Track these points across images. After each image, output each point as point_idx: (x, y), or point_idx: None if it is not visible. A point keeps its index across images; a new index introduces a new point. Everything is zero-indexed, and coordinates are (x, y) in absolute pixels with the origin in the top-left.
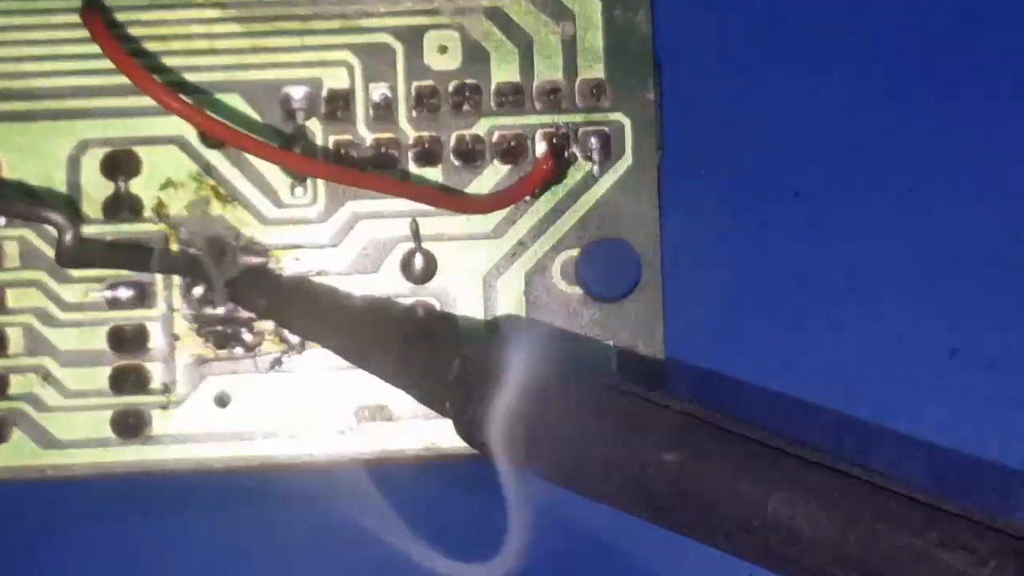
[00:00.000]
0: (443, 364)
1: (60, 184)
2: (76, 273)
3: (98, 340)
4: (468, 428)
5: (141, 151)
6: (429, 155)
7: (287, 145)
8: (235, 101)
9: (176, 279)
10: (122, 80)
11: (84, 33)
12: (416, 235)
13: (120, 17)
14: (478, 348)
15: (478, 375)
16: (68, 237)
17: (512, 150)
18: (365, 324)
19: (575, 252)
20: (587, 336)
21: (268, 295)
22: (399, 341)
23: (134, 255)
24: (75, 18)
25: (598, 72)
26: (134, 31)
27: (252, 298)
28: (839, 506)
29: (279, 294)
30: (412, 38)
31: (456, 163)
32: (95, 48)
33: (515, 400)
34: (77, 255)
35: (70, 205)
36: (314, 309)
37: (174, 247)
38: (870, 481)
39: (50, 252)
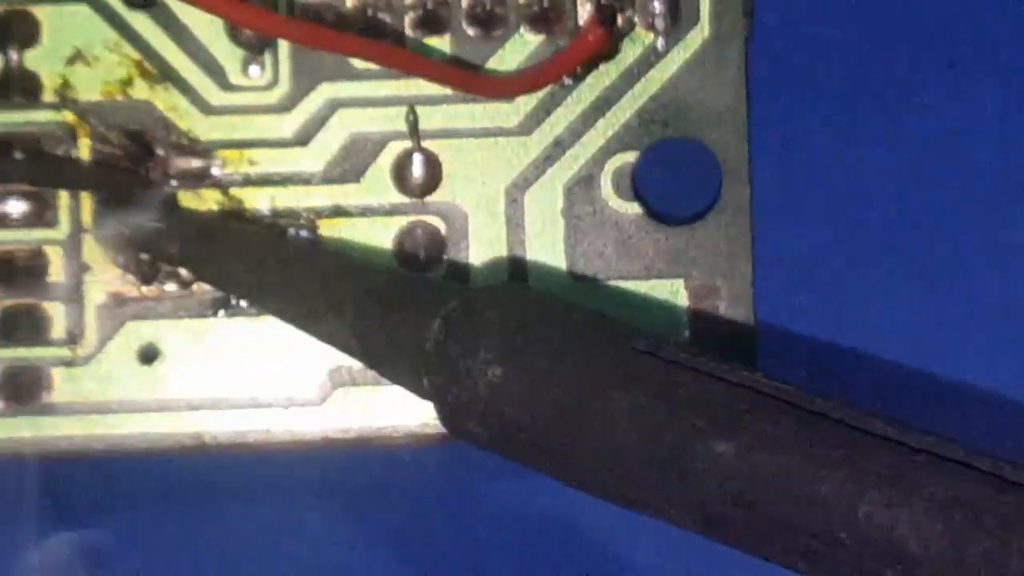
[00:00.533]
0: (417, 327)
1: None
2: None
3: None
4: (453, 413)
5: (40, 11)
6: (432, 20)
7: None
8: None
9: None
10: None
11: None
12: (415, 130)
13: None
14: (467, 301)
15: (465, 340)
16: None
17: (546, 13)
18: (312, 276)
19: (632, 156)
20: (646, 270)
21: (182, 237)
22: (356, 297)
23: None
24: None
25: None
26: None
27: (159, 241)
28: (956, 511)
29: (196, 236)
30: None
31: (469, 31)
32: None
33: (508, 375)
34: None
35: None
36: (243, 256)
37: (84, 147)
38: (999, 476)
39: None
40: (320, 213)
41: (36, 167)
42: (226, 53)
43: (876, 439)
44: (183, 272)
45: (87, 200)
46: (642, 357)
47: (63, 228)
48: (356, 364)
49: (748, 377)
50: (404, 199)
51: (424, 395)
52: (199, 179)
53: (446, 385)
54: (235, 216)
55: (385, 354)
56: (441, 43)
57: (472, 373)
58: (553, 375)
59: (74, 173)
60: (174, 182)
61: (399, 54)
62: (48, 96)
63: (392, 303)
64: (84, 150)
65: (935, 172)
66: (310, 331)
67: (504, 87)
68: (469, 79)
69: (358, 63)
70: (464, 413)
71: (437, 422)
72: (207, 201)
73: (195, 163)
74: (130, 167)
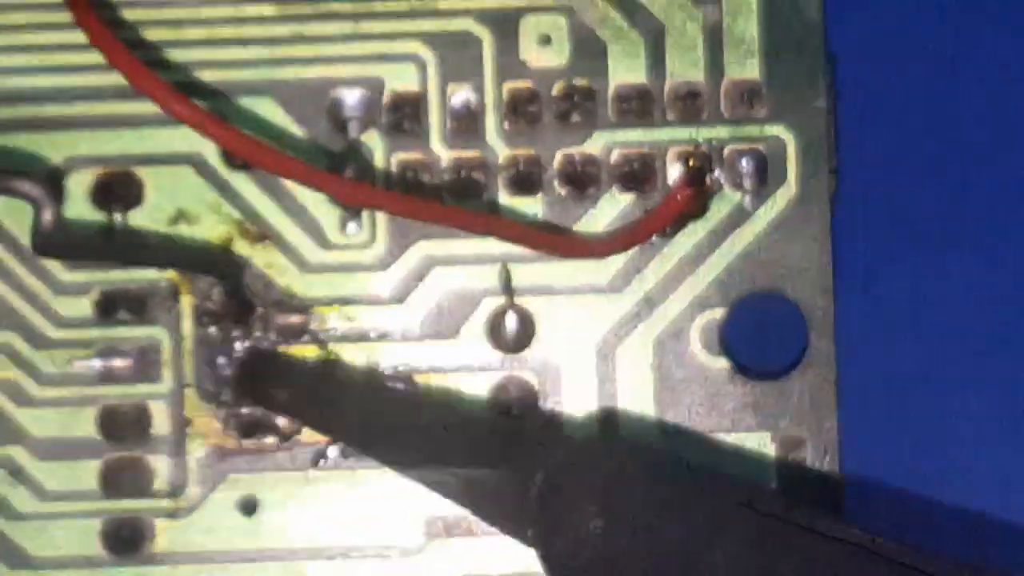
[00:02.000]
0: (522, 477)
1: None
2: (57, 335)
3: (85, 425)
4: (557, 562)
5: (143, 172)
6: (526, 181)
7: (336, 167)
8: (268, 108)
9: (188, 339)
10: (120, 78)
11: (69, 18)
12: (508, 287)
13: None
14: (569, 453)
15: (568, 492)
16: (48, 217)
17: (636, 175)
18: (418, 425)
19: (719, 312)
20: (734, 423)
21: (288, 386)
22: (461, 448)
23: (130, 246)
24: None
25: (752, 71)
26: (135, 14)
27: (267, 390)
28: None
29: (303, 385)
30: (504, 25)
31: (561, 192)
32: (83, 38)
33: (611, 526)
34: (57, 242)
35: (51, 177)
36: (349, 405)
37: (186, 304)
38: None
39: (21, 305)
40: (416, 369)
41: (111, 246)
42: (324, 212)
43: None
44: (282, 425)
45: (189, 357)
46: (739, 510)
47: (166, 383)
48: (451, 515)
49: (841, 530)
50: (498, 354)
51: (528, 543)
52: (298, 335)
53: (549, 535)
54: (337, 368)
55: (489, 503)
56: (534, 202)
57: (575, 524)
58: (653, 528)
59: (144, 252)
60: (274, 338)
61: (491, 221)
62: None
63: (496, 454)
64: (187, 307)
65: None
66: (415, 478)
67: (594, 248)
68: (559, 242)
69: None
70: (568, 563)
71: (530, 570)
72: (307, 356)
73: (294, 319)
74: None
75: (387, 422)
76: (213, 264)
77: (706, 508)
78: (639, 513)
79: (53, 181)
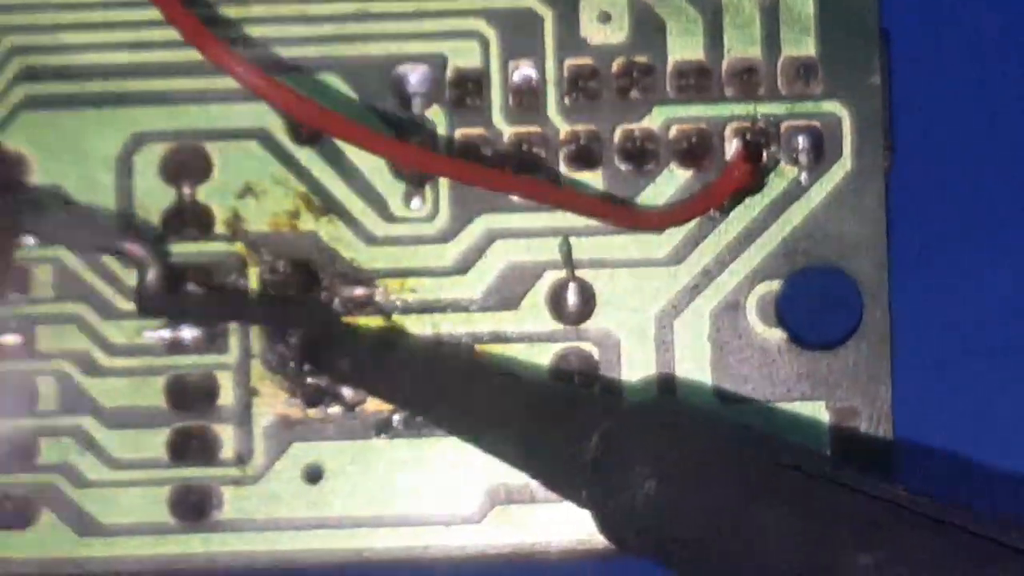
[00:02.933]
0: (577, 441)
1: (107, 191)
2: (126, 306)
3: (153, 394)
4: (611, 523)
5: (211, 148)
6: (586, 156)
7: (401, 140)
8: (334, 83)
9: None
10: (188, 54)
11: None
12: (569, 260)
13: None
14: (624, 416)
15: (622, 454)
16: (152, 276)
17: (694, 150)
18: (478, 390)
19: (776, 284)
20: (789, 393)
21: (351, 353)
22: (520, 412)
23: (234, 301)
24: None
25: (807, 48)
26: None
27: (329, 359)
28: None
29: (365, 352)
30: (565, 2)
31: (621, 167)
32: (152, 12)
33: (663, 488)
34: (163, 301)
35: (153, 233)
36: (411, 372)
37: (253, 277)
38: None
39: (92, 278)
40: (478, 339)
41: (211, 301)
42: (388, 186)
43: (1013, 551)
44: (347, 395)
45: (255, 328)
46: (787, 472)
47: (233, 353)
48: (513, 482)
49: (888, 490)
50: (559, 326)
51: (583, 505)
52: (362, 307)
53: (604, 497)
54: (398, 336)
55: (546, 466)
56: (594, 177)
57: (629, 486)
58: (702, 489)
59: (244, 307)
60: (339, 310)
61: (552, 191)
62: (220, 228)
63: (553, 418)
64: (253, 280)
65: None
66: (475, 443)
67: (654, 220)
68: (621, 213)
69: (514, 196)
70: (622, 524)
71: (591, 538)
72: (371, 327)
73: (358, 291)
74: (295, 299)
75: (447, 388)
76: (311, 317)
77: (753, 471)
78: (687, 474)
79: (156, 242)
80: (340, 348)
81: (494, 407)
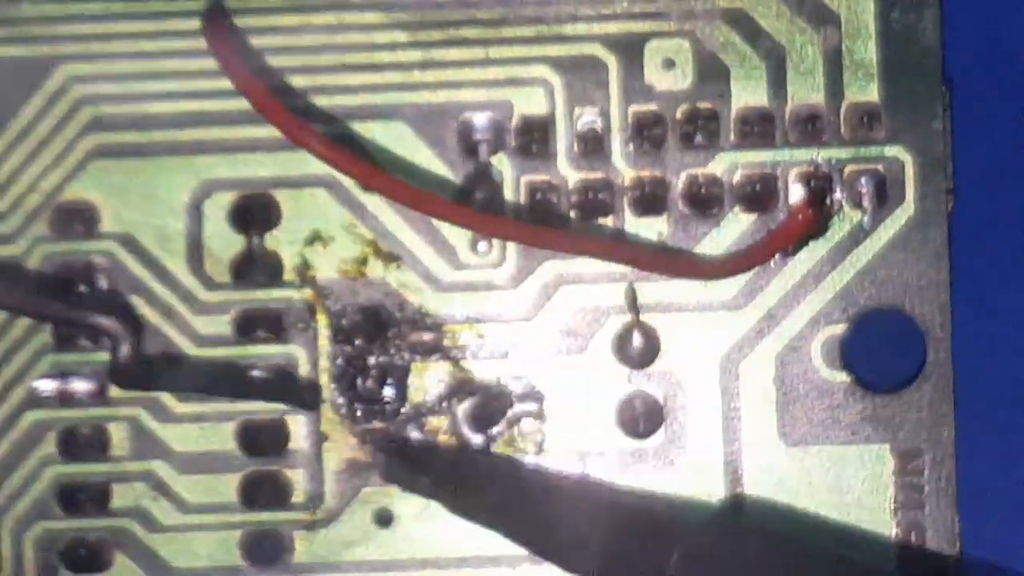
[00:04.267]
0: (657, 560)
1: (177, 239)
2: (197, 353)
3: (224, 440)
4: None
5: (280, 195)
6: (651, 201)
7: (467, 188)
8: (400, 131)
9: (324, 359)
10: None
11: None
12: (634, 305)
13: (252, 22)
14: (703, 536)
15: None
16: (124, 351)
17: (759, 195)
18: (556, 511)
19: (840, 328)
20: (854, 435)
21: (431, 471)
22: (600, 532)
23: (225, 377)
24: (196, 24)
25: (870, 94)
26: (271, 40)
27: (409, 475)
28: None
29: (444, 475)
30: (629, 49)
31: (686, 211)
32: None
33: None
34: (136, 373)
35: (133, 317)
36: (489, 493)
37: (322, 322)
38: None
39: (165, 325)
40: (545, 384)
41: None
42: (455, 232)
43: None
44: (415, 437)
45: (325, 374)
46: None
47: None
48: None
49: None
50: (624, 370)
51: None
52: (430, 352)
53: None
54: (469, 386)
55: None
56: (658, 222)
57: None
58: None
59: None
60: (407, 356)
61: (615, 248)
62: (288, 275)
63: (633, 537)
64: (323, 326)
65: None
66: (554, 561)
67: (718, 268)
68: (685, 266)
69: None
70: None
71: None
72: (439, 373)
73: (426, 337)
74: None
75: (530, 506)
76: (288, 392)
77: None
78: None
79: (133, 321)
80: (420, 465)
81: (572, 527)
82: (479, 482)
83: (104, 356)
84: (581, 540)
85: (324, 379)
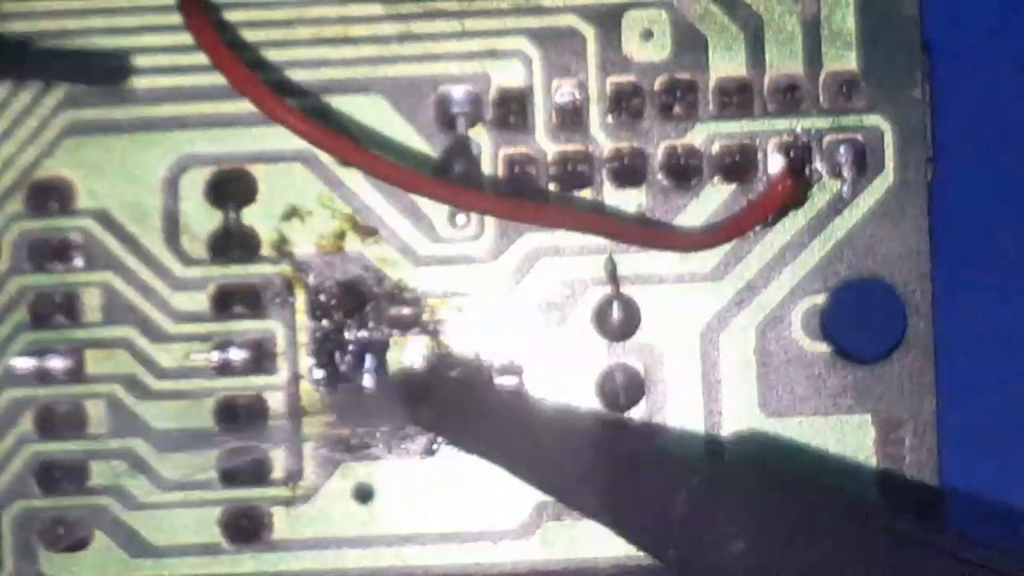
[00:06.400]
0: (664, 499)
1: (153, 213)
2: (174, 329)
3: (203, 416)
4: None
5: (256, 170)
6: (629, 173)
7: (445, 161)
8: (376, 104)
9: (302, 334)
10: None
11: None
12: (613, 277)
13: None
14: (710, 475)
15: (709, 514)
16: None
17: (737, 166)
18: (562, 447)
19: (820, 298)
20: (835, 406)
21: (434, 407)
22: (607, 470)
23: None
24: None
25: (849, 63)
26: (247, 15)
27: (412, 408)
28: None
29: (447, 407)
30: (606, 20)
31: (665, 183)
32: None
33: (751, 548)
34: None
35: None
36: (493, 428)
37: (300, 298)
38: None
39: (140, 302)
40: (525, 357)
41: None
42: (433, 206)
43: None
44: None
45: (303, 347)
46: (872, 537)
47: (281, 375)
48: None
49: (984, 554)
50: (604, 342)
51: (669, 563)
52: (409, 326)
53: (691, 556)
54: (451, 365)
55: (632, 523)
56: (637, 194)
57: (716, 546)
58: (789, 551)
59: None
60: (386, 330)
61: (590, 219)
62: (265, 251)
63: (640, 475)
64: (301, 301)
65: None
66: (559, 498)
67: (698, 240)
68: (665, 237)
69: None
70: None
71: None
72: (418, 347)
73: (405, 311)
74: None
75: (531, 444)
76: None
77: (839, 534)
78: (774, 537)
79: None
80: (422, 398)
81: (578, 465)
82: (482, 417)
83: (79, 332)
84: (584, 475)
85: (302, 354)
